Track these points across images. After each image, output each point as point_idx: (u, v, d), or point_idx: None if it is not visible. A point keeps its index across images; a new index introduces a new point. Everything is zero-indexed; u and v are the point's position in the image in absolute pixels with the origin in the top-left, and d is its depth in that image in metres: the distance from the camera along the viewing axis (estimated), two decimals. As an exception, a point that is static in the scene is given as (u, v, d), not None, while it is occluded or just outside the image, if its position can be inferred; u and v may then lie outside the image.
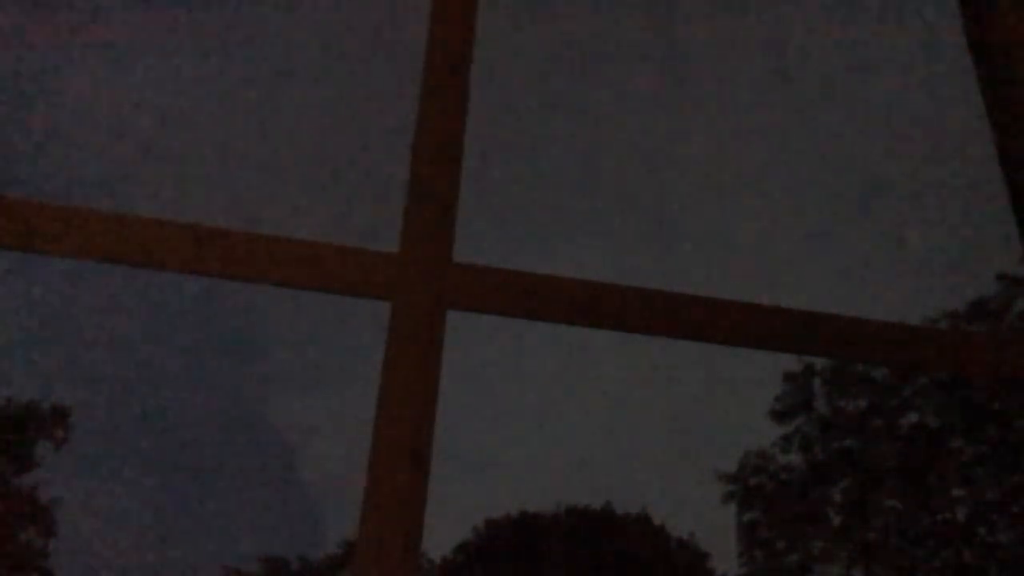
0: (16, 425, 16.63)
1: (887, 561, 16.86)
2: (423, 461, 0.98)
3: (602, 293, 1.13)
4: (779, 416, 18.72)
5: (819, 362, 18.57)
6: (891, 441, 17.69)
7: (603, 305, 1.13)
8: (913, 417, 17.69)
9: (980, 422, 16.71)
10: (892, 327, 1.19)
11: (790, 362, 19.15)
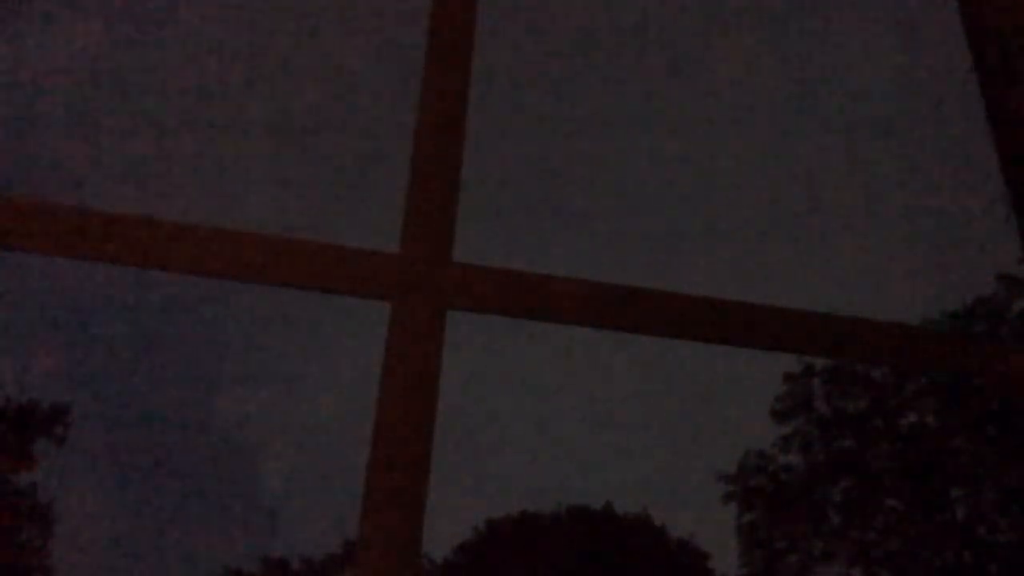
0: (16, 424, 16.63)
1: (887, 561, 16.85)
2: (423, 461, 0.98)
3: (602, 293, 1.13)
4: (779, 416, 18.71)
5: (819, 362, 18.56)
6: (891, 441, 17.69)
7: (603, 305, 1.13)
8: (913, 417, 17.68)
9: (980, 422, 16.70)
10: (892, 327, 1.19)
11: (790, 362, 19.15)
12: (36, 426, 16.80)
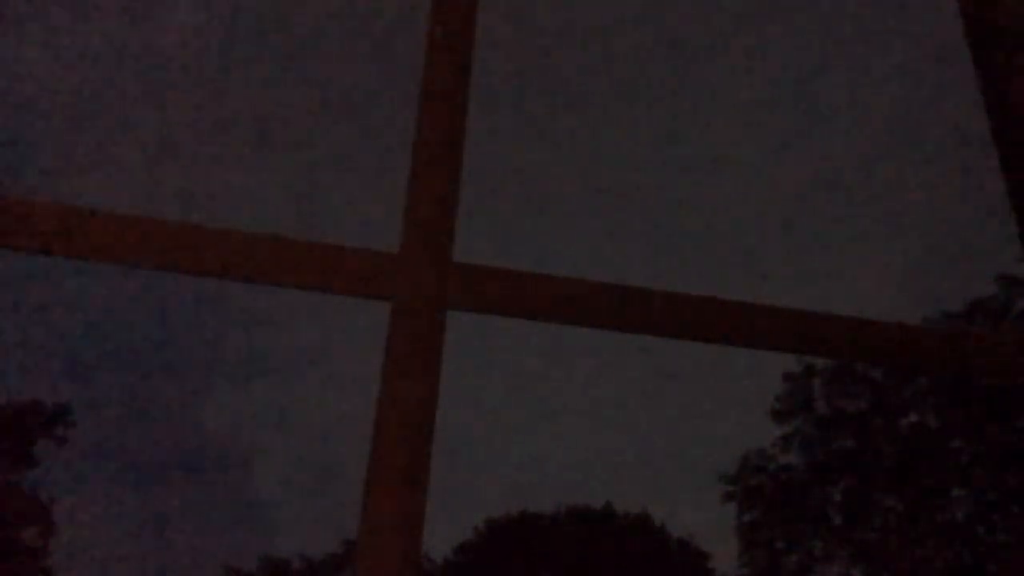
0: (16, 424, 16.63)
1: (887, 561, 16.85)
2: (423, 461, 0.98)
3: (602, 293, 1.13)
4: (779, 416, 18.71)
5: (819, 362, 18.56)
6: (891, 441, 17.69)
7: (603, 305, 1.13)
8: (913, 417, 17.69)
9: (980, 422, 16.71)
10: (892, 327, 1.19)
11: (790, 362, 19.15)
12: (36, 426, 16.80)
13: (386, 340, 1.05)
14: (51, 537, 16.31)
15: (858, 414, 18.16)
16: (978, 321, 17.12)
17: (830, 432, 18.26)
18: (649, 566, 20.67)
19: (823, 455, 18.18)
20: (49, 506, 16.39)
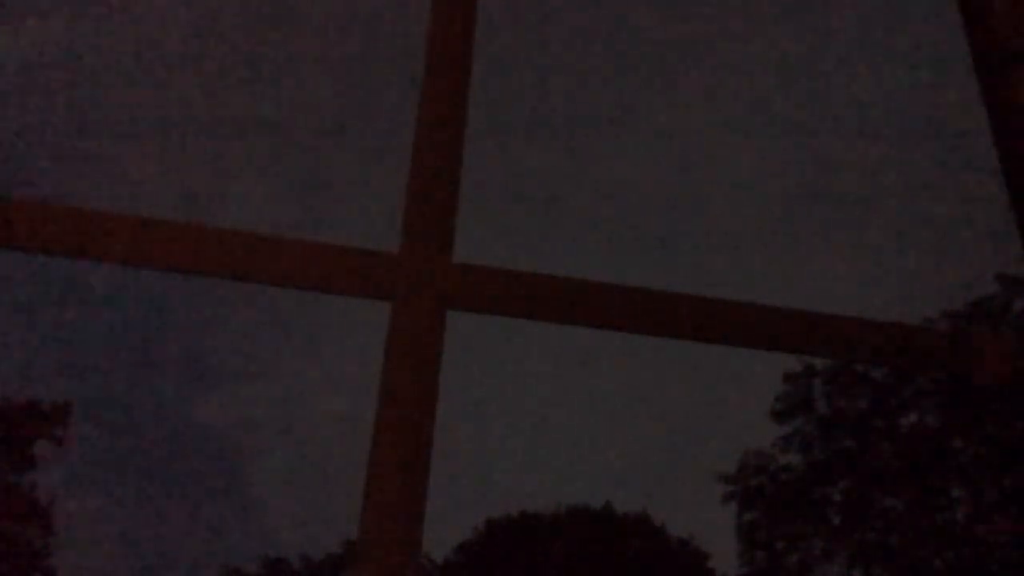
0: (16, 424, 16.63)
1: (887, 561, 16.85)
2: (423, 461, 0.98)
3: (602, 293, 1.13)
4: (779, 416, 18.71)
5: (819, 362, 18.55)
6: (891, 441, 17.69)
7: (603, 305, 1.13)
8: (913, 417, 17.68)
9: (980, 422, 16.70)
10: (892, 327, 1.18)
11: (790, 362, 19.14)
12: (36, 426, 16.79)
13: (386, 340, 1.05)
14: (51, 537, 16.30)
15: (858, 414, 18.15)
16: (978, 321, 17.11)
17: (830, 432, 18.25)
18: (649, 566, 20.68)
19: (823, 455, 18.17)
20: (49, 506, 16.39)
